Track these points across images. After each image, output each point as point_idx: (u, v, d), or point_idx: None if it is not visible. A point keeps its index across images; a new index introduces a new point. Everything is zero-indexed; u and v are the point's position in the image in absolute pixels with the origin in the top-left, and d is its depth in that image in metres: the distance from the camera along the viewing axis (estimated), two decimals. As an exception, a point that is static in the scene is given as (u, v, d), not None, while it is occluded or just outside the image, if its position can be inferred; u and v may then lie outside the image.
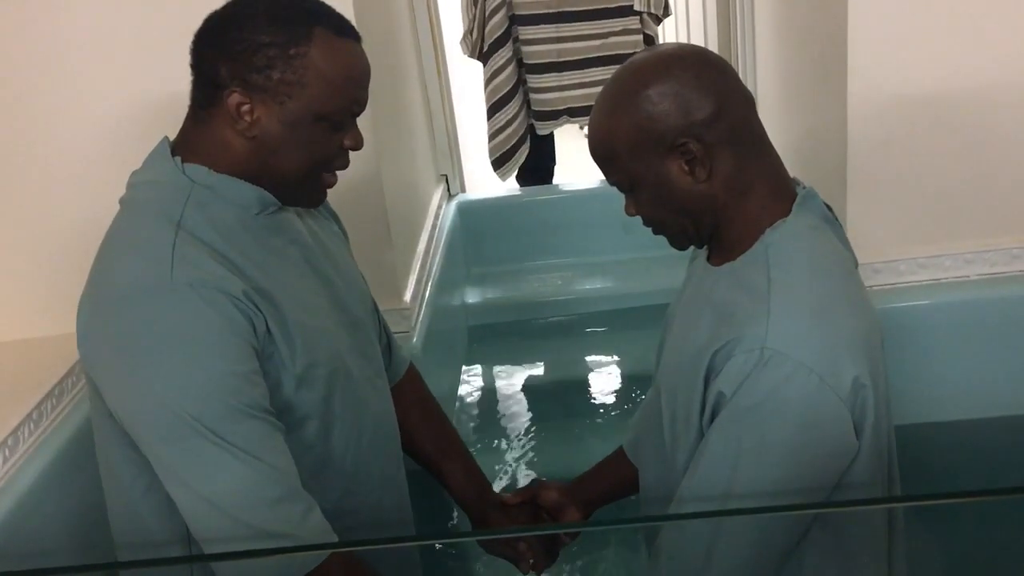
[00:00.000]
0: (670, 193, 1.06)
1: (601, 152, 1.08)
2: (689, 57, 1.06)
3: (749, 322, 1.00)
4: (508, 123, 2.98)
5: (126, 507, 1.14)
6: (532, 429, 2.35)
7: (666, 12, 3.05)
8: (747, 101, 1.07)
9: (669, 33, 3.49)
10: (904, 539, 1.16)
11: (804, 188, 1.10)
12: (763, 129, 1.10)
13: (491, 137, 3.01)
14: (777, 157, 1.10)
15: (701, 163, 1.03)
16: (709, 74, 1.04)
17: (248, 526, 1.02)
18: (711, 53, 1.10)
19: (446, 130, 2.84)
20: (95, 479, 1.19)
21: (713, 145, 1.03)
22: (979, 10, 1.76)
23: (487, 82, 2.98)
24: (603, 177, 1.12)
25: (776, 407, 0.99)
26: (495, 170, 3.04)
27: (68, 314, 1.09)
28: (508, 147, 2.99)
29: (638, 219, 1.12)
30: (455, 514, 1.87)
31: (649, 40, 2.97)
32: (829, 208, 1.12)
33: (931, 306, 1.91)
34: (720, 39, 2.75)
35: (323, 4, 1.10)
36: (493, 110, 2.98)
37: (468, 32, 2.99)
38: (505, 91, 2.96)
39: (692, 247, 1.15)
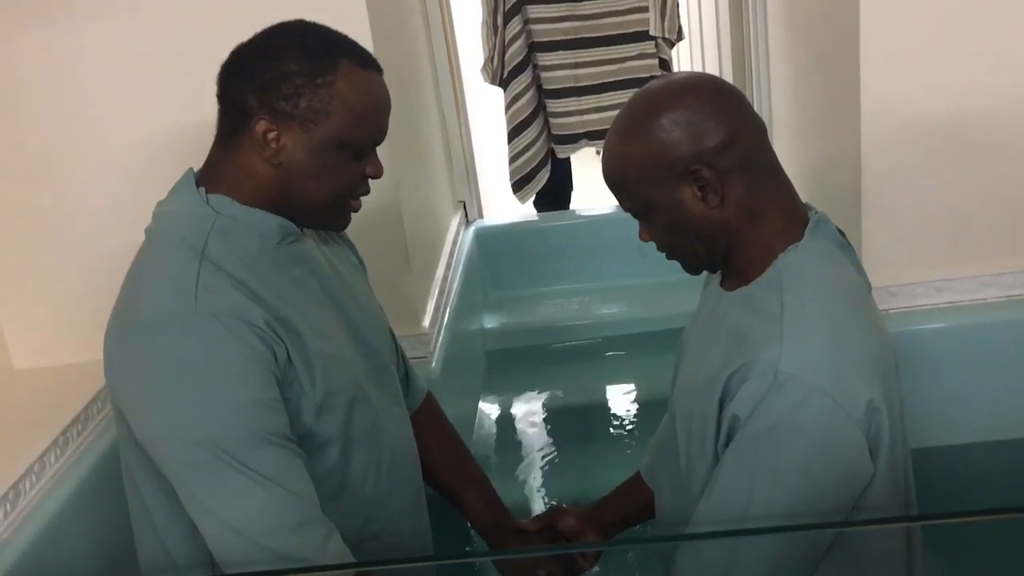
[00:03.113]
0: (683, 219, 1.07)
1: (614, 178, 1.10)
2: (701, 85, 1.08)
3: (763, 346, 1.01)
4: (528, 147, 3.01)
5: (151, 532, 1.15)
6: (550, 454, 2.35)
7: (679, 36, 3.08)
8: (759, 128, 1.09)
9: (684, 59, 3.51)
10: (922, 564, 1.16)
11: (816, 213, 1.11)
12: (775, 155, 1.11)
13: (511, 160, 3.04)
14: (789, 183, 1.11)
15: (713, 189, 1.05)
16: (721, 102, 1.06)
17: (270, 551, 1.04)
18: (723, 81, 1.12)
19: (463, 157, 2.87)
20: (120, 504, 1.21)
21: (725, 172, 1.04)
22: (993, 32, 1.76)
23: (507, 107, 3.02)
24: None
25: (791, 430, 0.99)
26: (515, 193, 3.07)
27: (94, 341, 1.11)
28: (528, 170, 3.03)
29: (654, 244, 1.14)
30: (474, 542, 1.87)
31: (664, 64, 3.00)
32: (842, 233, 1.13)
33: (948, 329, 1.91)
34: (734, 64, 2.77)
35: (348, 38, 1.14)
36: (513, 134, 3.02)
37: (488, 60, 3.03)
38: (525, 116, 2.99)
39: (705, 272, 1.16)
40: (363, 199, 1.19)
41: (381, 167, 1.17)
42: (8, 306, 1.76)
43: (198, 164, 1.16)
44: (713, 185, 1.05)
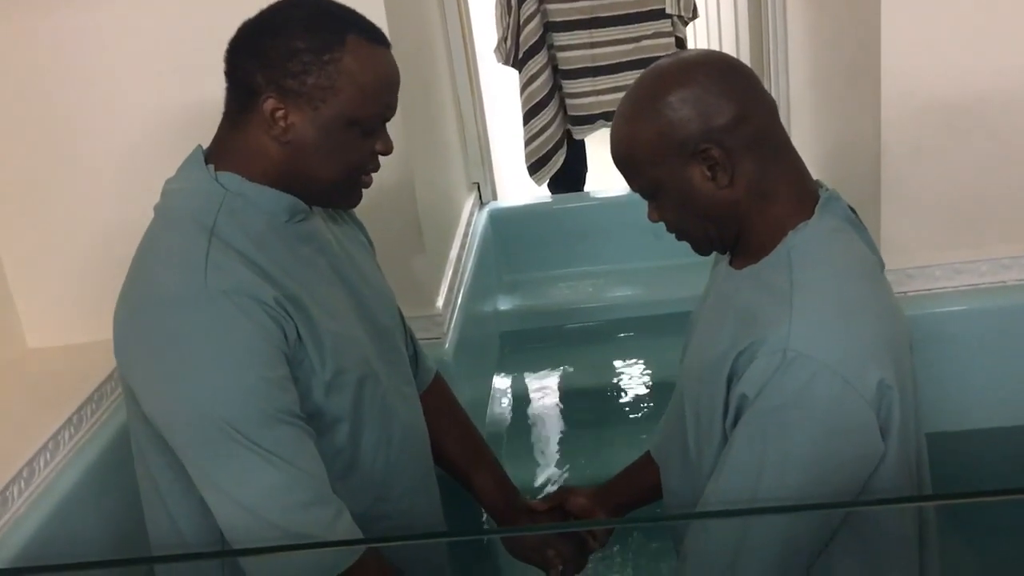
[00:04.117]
0: (692, 199, 1.06)
1: (623, 158, 1.09)
2: (710, 63, 1.06)
3: (771, 324, 1.00)
4: (544, 128, 3.00)
5: (162, 510, 1.16)
6: (563, 434, 2.35)
7: (694, 14, 3.06)
8: (768, 106, 1.07)
9: (700, 37, 3.48)
10: (936, 546, 1.15)
11: (827, 191, 1.10)
12: (785, 133, 1.09)
13: (527, 142, 3.03)
14: (799, 160, 1.10)
15: (723, 168, 1.03)
16: (730, 79, 1.04)
17: (280, 529, 1.04)
18: (732, 59, 1.10)
19: (478, 138, 2.86)
20: (133, 482, 1.21)
21: (734, 150, 1.03)
22: (1015, 15, 1.74)
23: (523, 88, 3.00)
24: (630, 183, 1.13)
25: (800, 409, 0.98)
26: (531, 175, 3.06)
27: (108, 320, 1.11)
28: (544, 152, 3.02)
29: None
30: (485, 522, 1.88)
31: (680, 43, 2.99)
32: (853, 211, 1.11)
33: (967, 312, 1.89)
34: (752, 44, 2.74)
35: (355, 12, 1.12)
36: (529, 116, 3.01)
37: (502, 40, 3.01)
38: (540, 97, 2.98)
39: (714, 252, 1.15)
40: (377, 178, 1.18)
41: (391, 143, 1.16)
42: (23, 285, 1.77)
43: (206, 142, 1.15)
44: (723, 164, 1.03)
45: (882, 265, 1.12)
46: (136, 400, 1.10)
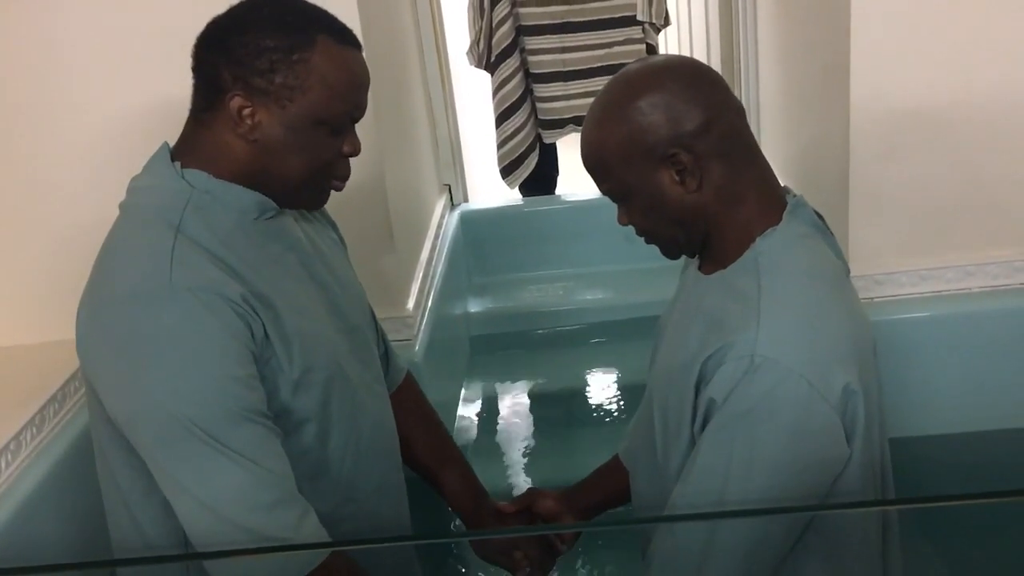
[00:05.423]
0: (661, 203, 1.07)
1: (593, 162, 1.09)
2: (679, 68, 1.07)
3: (739, 329, 1.01)
4: (516, 131, 3.01)
5: (124, 512, 1.14)
6: (532, 438, 2.35)
7: (666, 22, 3.08)
8: (737, 111, 1.08)
9: (672, 44, 3.50)
10: (899, 548, 1.16)
11: (794, 197, 1.11)
12: (753, 139, 1.10)
13: (500, 145, 3.04)
14: (767, 166, 1.11)
15: (691, 173, 1.04)
16: (699, 85, 1.05)
17: (244, 530, 1.03)
18: (701, 64, 1.12)
19: (449, 140, 2.86)
20: (96, 484, 1.19)
21: (703, 155, 1.04)
22: (982, 22, 1.76)
23: (495, 92, 3.01)
24: (603, 187, 1.13)
25: (767, 414, 0.99)
26: (503, 178, 3.07)
27: (71, 319, 1.10)
28: (517, 155, 3.03)
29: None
30: (455, 523, 1.87)
31: (651, 50, 3.01)
32: (820, 217, 1.13)
33: (932, 318, 1.91)
34: (723, 49, 2.76)
35: (326, 12, 1.12)
36: (501, 119, 3.01)
37: (475, 43, 3.02)
38: (513, 100, 2.99)
39: (684, 256, 1.16)
40: (348, 180, 1.17)
41: (359, 144, 1.15)
42: (-15, 283, 1.74)
43: (172, 140, 1.14)
44: (691, 169, 1.04)
45: (847, 271, 1.14)
46: (98, 399, 1.08)
